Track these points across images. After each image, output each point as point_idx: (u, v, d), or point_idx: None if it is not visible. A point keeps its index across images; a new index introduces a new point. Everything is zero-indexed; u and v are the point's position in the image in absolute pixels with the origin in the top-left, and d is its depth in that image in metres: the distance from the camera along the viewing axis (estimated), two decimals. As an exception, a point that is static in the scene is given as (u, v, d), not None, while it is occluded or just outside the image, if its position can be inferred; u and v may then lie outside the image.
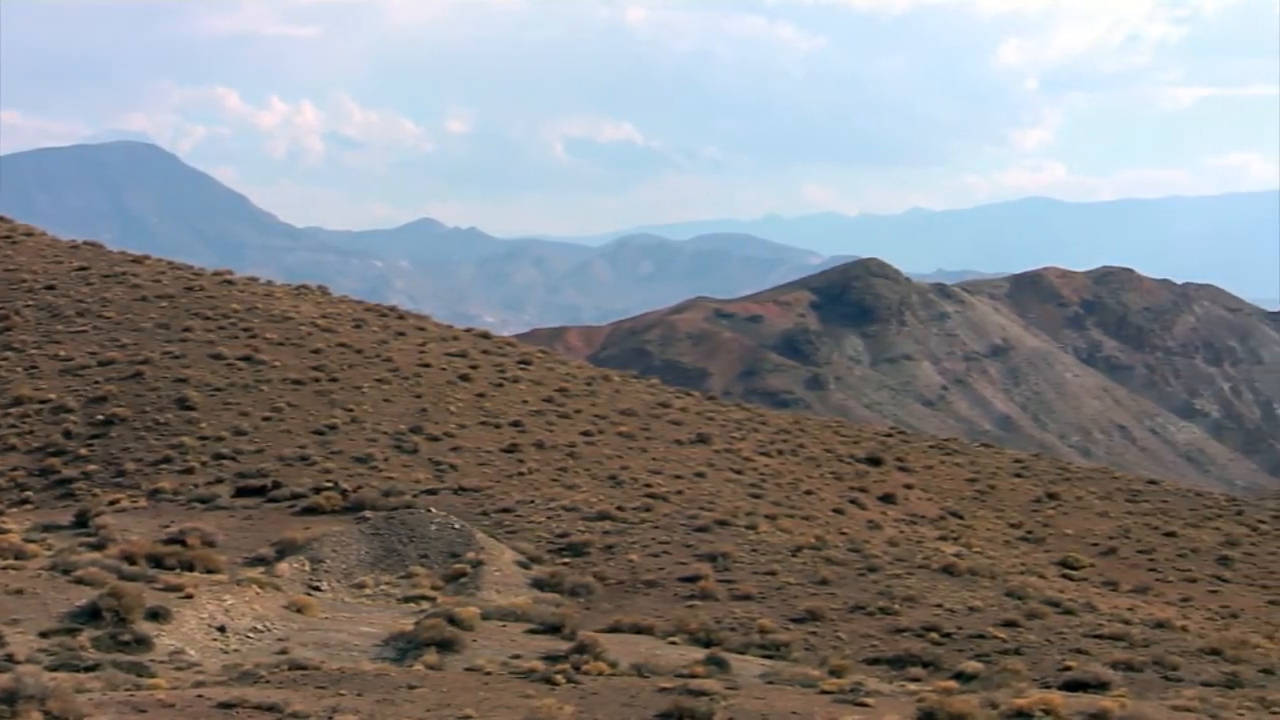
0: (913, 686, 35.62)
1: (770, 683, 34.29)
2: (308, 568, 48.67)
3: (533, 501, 63.09)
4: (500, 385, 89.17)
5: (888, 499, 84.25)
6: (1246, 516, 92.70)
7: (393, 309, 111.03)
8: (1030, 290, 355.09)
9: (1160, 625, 50.78)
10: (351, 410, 78.13)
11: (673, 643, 40.56)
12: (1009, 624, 46.12)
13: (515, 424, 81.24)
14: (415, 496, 59.37)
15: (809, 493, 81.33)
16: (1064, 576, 72.88)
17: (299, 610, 40.07)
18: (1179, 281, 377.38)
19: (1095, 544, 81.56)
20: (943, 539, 76.78)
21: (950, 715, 29.51)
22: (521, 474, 72.41)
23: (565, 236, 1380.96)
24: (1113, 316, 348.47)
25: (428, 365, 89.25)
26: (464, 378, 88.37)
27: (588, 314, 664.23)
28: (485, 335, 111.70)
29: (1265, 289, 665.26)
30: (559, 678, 32.00)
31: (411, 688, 30.52)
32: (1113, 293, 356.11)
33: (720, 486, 76.74)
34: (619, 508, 62.18)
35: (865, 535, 71.77)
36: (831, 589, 50.38)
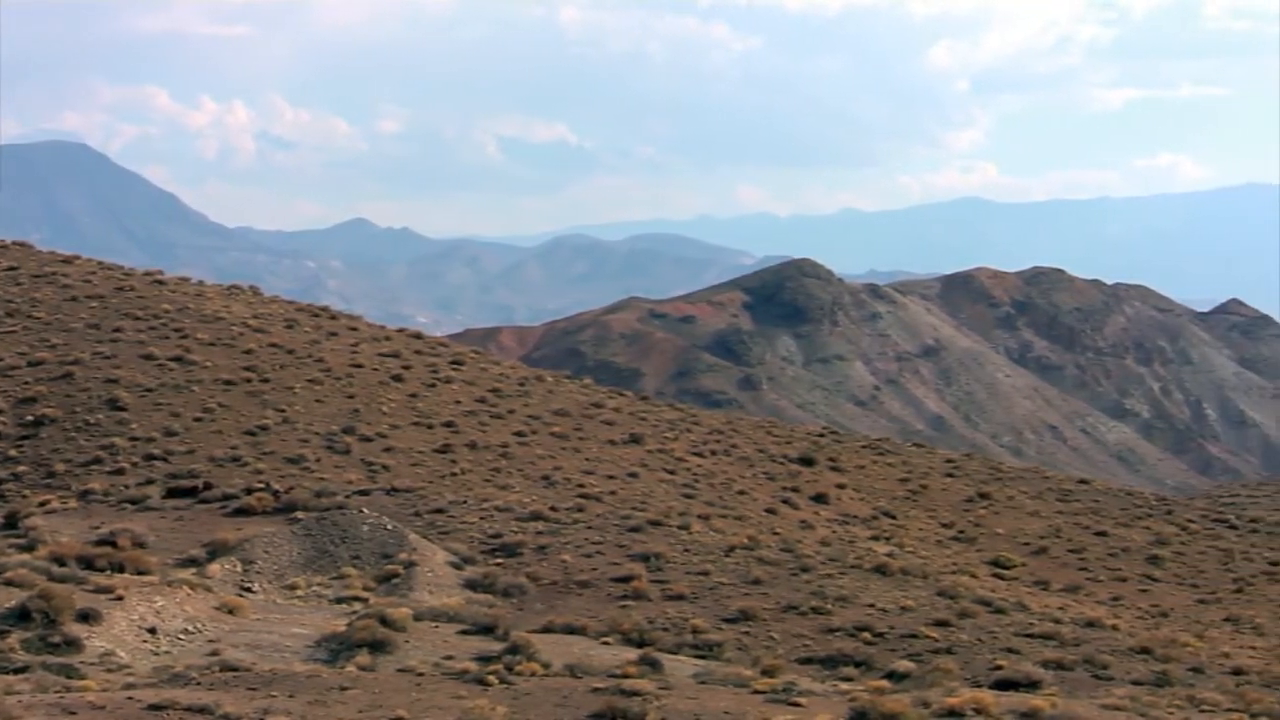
0: (845, 686, 35.72)
1: (703, 683, 34.33)
2: (239, 569, 48.35)
3: (465, 502, 62.88)
4: (433, 386, 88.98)
5: (820, 499, 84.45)
6: (1176, 516, 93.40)
7: (325, 309, 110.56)
8: (962, 290, 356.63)
9: (1091, 624, 51.09)
10: (283, 411, 77.80)
11: (606, 643, 40.54)
12: (941, 623, 46.26)
13: (448, 424, 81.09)
14: (347, 497, 59.12)
15: (742, 493, 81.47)
16: (995, 576, 73.27)
17: (230, 611, 39.89)
18: (1109, 282, 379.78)
19: (1026, 543, 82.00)
20: (875, 539, 77.02)
21: (882, 715, 29.64)
22: (454, 474, 72.29)
23: (498, 236, 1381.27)
24: (1044, 317, 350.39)
25: (360, 366, 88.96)
26: (396, 378, 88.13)
27: (521, 314, 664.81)
28: (418, 335, 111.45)
29: (1195, 289, 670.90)
30: (492, 678, 31.97)
31: (344, 689, 30.43)
32: (1044, 293, 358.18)
33: (653, 487, 76.80)
34: (552, 508, 62.05)
35: (798, 535, 71.91)
36: (764, 589, 50.41)
